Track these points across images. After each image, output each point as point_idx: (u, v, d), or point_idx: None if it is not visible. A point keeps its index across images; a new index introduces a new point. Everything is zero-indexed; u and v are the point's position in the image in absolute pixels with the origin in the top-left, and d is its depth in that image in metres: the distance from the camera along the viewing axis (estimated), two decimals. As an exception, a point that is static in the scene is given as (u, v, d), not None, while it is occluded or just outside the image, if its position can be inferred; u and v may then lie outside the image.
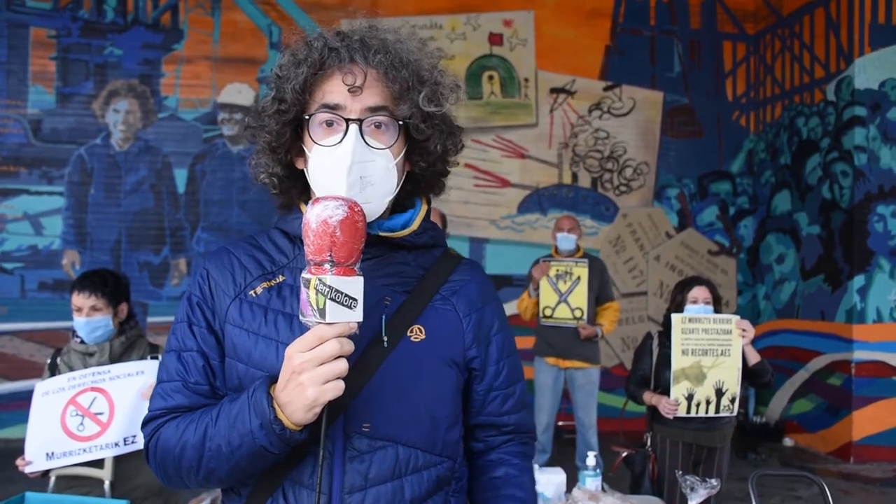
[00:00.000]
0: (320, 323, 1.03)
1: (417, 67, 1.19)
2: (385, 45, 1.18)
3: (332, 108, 1.16)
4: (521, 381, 1.35)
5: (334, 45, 1.17)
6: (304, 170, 1.22)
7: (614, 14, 7.86)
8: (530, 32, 7.74)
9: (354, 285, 1.04)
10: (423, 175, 1.27)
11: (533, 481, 1.36)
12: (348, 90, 1.15)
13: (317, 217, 1.04)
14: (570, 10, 7.76)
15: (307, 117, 1.18)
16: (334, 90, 1.16)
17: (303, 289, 1.04)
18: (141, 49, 7.31)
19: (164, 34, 7.36)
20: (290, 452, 1.10)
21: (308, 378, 1.02)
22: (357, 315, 1.04)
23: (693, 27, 7.97)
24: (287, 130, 1.20)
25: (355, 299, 1.04)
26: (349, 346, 1.04)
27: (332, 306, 1.02)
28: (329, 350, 1.02)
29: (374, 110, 1.16)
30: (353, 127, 1.14)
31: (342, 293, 1.03)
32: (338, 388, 1.03)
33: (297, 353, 1.04)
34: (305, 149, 1.20)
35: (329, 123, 1.17)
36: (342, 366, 1.03)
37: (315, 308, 1.02)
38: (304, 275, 1.04)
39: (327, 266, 1.03)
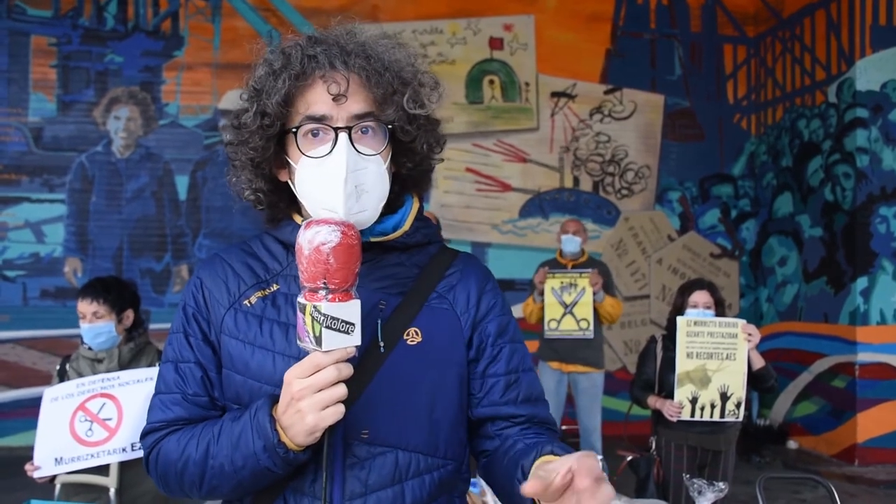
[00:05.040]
0: (317, 350, 1.01)
1: (399, 69, 1.15)
2: (364, 49, 1.14)
3: (318, 119, 1.12)
4: (526, 371, 1.25)
5: (312, 52, 1.12)
6: (290, 182, 1.19)
7: (614, 17, 7.87)
8: (531, 37, 7.74)
9: (351, 310, 1.02)
10: (409, 175, 1.24)
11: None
12: (333, 99, 1.11)
13: (309, 243, 1.00)
14: (571, 15, 7.75)
15: (294, 130, 1.14)
16: (318, 100, 1.12)
17: (298, 313, 1.02)
18: (141, 56, 7.31)
19: (164, 41, 7.36)
20: None
21: (307, 405, 1.01)
22: (355, 339, 1.03)
23: (693, 30, 7.97)
24: (271, 145, 1.16)
25: (352, 324, 1.02)
26: (347, 371, 1.03)
27: (329, 334, 1.00)
28: (326, 377, 1.01)
29: (361, 117, 1.12)
30: (343, 136, 1.10)
31: (338, 319, 1.01)
32: (338, 413, 1.03)
33: (295, 380, 1.03)
34: (291, 161, 1.17)
35: (315, 133, 1.13)
36: (341, 391, 1.02)
37: (311, 335, 1.01)
38: (300, 300, 1.02)
39: (322, 293, 1.00)
